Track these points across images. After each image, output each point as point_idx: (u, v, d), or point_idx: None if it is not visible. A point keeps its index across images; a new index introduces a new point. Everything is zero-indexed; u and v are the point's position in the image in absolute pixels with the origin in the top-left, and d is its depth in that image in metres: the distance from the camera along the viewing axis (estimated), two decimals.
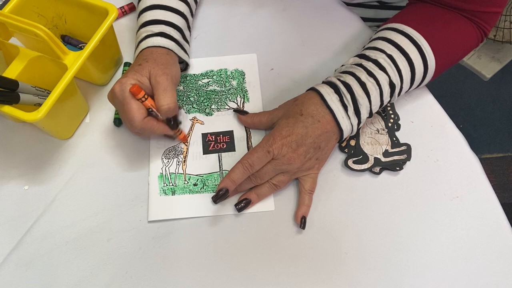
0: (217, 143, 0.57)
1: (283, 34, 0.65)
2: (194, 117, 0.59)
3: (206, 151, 0.57)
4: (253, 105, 0.60)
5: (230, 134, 0.58)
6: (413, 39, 0.52)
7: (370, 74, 0.51)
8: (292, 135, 0.49)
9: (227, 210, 0.53)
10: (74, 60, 0.50)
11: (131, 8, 0.67)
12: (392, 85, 0.51)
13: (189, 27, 0.61)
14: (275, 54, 0.64)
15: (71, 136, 0.58)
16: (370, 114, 0.52)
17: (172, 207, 0.53)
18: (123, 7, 0.67)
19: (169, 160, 0.55)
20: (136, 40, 0.56)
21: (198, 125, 0.58)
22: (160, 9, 0.56)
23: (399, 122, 0.58)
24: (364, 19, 0.69)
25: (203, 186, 0.54)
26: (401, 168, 0.55)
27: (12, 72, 0.50)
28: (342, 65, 0.55)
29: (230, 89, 0.61)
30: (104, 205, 0.53)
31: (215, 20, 0.67)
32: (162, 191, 0.54)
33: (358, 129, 0.55)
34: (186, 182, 0.54)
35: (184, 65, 0.60)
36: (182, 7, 0.58)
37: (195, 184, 0.54)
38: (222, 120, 0.59)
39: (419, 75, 0.53)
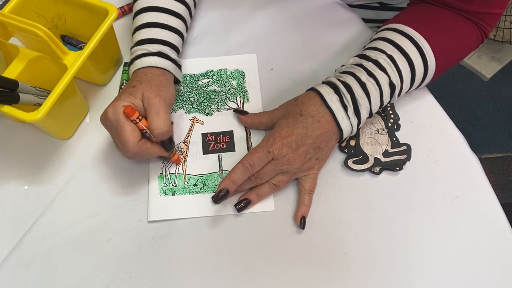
0: (217, 143, 0.57)
1: (283, 34, 0.65)
2: (194, 117, 0.59)
3: (206, 151, 0.57)
4: (253, 105, 0.60)
5: (230, 134, 0.58)
6: (413, 40, 0.52)
7: (370, 74, 0.51)
8: (292, 135, 0.49)
9: (227, 210, 0.53)
10: (74, 60, 0.50)
11: (131, 8, 0.67)
12: (392, 86, 0.51)
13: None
14: (275, 54, 0.64)
15: (71, 136, 0.58)
16: (370, 115, 0.52)
17: (172, 207, 0.53)
18: (123, 7, 0.67)
19: (169, 161, 0.55)
20: (131, 55, 0.54)
21: (198, 125, 0.58)
22: (157, 27, 0.54)
23: (399, 122, 0.58)
24: (365, 20, 0.69)
25: (203, 186, 0.54)
26: (401, 168, 0.55)
27: (12, 72, 0.50)
28: (342, 65, 0.55)
29: (230, 89, 0.61)
30: (104, 205, 0.53)
31: (215, 20, 0.67)
32: (162, 192, 0.54)
33: (358, 129, 0.55)
34: (186, 182, 0.54)
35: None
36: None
37: (195, 184, 0.54)
38: (222, 120, 0.59)
39: (419, 75, 0.53)
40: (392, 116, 0.58)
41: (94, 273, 0.50)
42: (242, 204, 0.51)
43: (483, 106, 1.48)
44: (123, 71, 0.62)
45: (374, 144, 0.56)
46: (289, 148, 0.49)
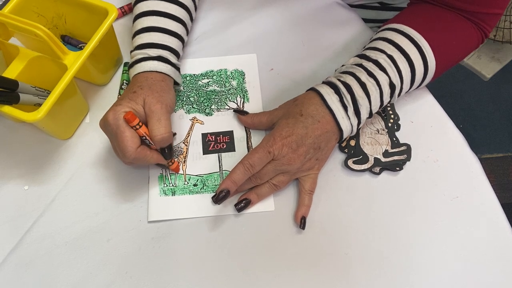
0: (217, 143, 0.57)
1: (283, 34, 0.65)
2: (194, 117, 0.59)
3: (206, 151, 0.57)
4: (253, 105, 0.60)
5: (230, 134, 0.58)
6: (413, 40, 0.52)
7: (370, 74, 0.51)
8: (292, 135, 0.49)
9: (227, 210, 0.53)
10: (74, 60, 0.50)
11: (131, 8, 0.67)
12: (392, 86, 0.51)
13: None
14: (275, 54, 0.64)
15: (71, 136, 0.58)
16: (370, 115, 0.52)
17: (172, 207, 0.53)
18: (123, 7, 0.67)
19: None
20: (131, 59, 0.54)
21: (198, 125, 0.58)
22: (157, 31, 0.54)
23: (399, 122, 0.58)
24: (366, 20, 0.69)
25: (203, 186, 0.54)
26: (401, 168, 0.55)
27: (12, 72, 0.50)
28: (342, 65, 0.55)
29: (230, 89, 0.61)
30: (104, 205, 0.53)
31: (215, 20, 0.67)
32: (162, 192, 0.54)
33: (358, 129, 0.55)
34: (186, 183, 0.54)
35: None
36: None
37: (195, 185, 0.54)
38: (222, 120, 0.59)
39: (419, 75, 0.53)
40: (392, 116, 0.58)
41: (94, 273, 0.50)
42: (242, 204, 0.51)
43: (483, 106, 1.48)
44: (123, 71, 0.62)
45: (374, 144, 0.56)
46: (289, 148, 0.49)
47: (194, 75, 0.62)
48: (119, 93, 0.61)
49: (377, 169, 0.55)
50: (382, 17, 0.75)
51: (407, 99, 0.60)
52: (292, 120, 0.50)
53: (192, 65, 0.63)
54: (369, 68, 0.51)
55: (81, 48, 0.61)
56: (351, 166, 0.55)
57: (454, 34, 0.55)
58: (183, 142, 0.57)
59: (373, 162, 0.55)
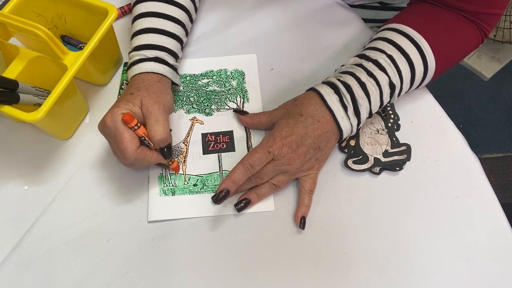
0: (217, 143, 0.57)
1: (283, 34, 0.65)
2: (194, 117, 0.59)
3: (206, 151, 0.57)
4: (253, 105, 0.60)
5: (230, 134, 0.58)
6: (413, 40, 0.52)
7: (370, 74, 0.51)
8: (292, 135, 0.49)
9: (227, 210, 0.53)
10: (74, 60, 0.50)
11: (130, 8, 0.67)
12: (392, 86, 0.51)
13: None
14: (275, 54, 0.64)
15: (71, 136, 0.58)
16: (370, 115, 0.52)
17: (172, 207, 0.53)
18: (123, 7, 0.67)
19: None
20: (129, 60, 0.54)
21: (198, 125, 0.58)
22: (154, 32, 0.54)
23: (399, 122, 0.58)
24: (366, 20, 0.69)
25: (203, 186, 0.54)
26: (401, 168, 0.55)
27: (12, 72, 0.50)
28: (342, 65, 0.55)
29: (230, 89, 0.61)
30: (104, 205, 0.53)
31: (215, 20, 0.67)
32: (162, 192, 0.54)
33: (358, 130, 0.55)
34: (186, 183, 0.54)
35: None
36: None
37: (195, 185, 0.54)
38: (222, 120, 0.59)
39: (419, 75, 0.53)
40: (392, 116, 0.58)
41: (94, 273, 0.50)
42: (242, 204, 0.51)
43: (483, 106, 1.48)
44: (123, 71, 0.62)
45: (374, 144, 0.56)
46: (289, 148, 0.49)
47: (194, 75, 0.62)
48: (119, 93, 0.61)
49: (377, 169, 0.55)
50: (382, 17, 0.75)
51: (407, 99, 0.60)
52: (292, 120, 0.50)
53: (192, 65, 0.63)
54: (369, 68, 0.51)
55: (81, 48, 0.61)
56: (351, 166, 0.55)
57: (454, 34, 0.55)
58: (183, 142, 0.57)
59: (373, 162, 0.55)
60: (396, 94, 0.52)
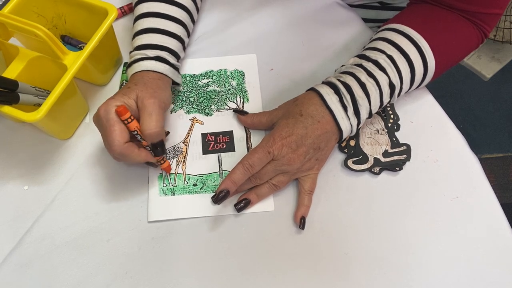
0: (216, 143, 0.57)
1: (283, 34, 0.65)
2: (194, 117, 0.59)
3: (205, 151, 0.57)
4: (253, 106, 0.60)
5: (229, 134, 0.58)
6: (413, 40, 0.52)
7: (370, 74, 0.51)
8: (292, 135, 0.49)
9: (227, 210, 0.53)
10: (74, 60, 0.50)
11: (130, 8, 0.67)
12: (392, 86, 0.51)
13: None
14: (275, 54, 0.64)
15: (71, 136, 0.58)
16: (370, 115, 0.52)
17: (171, 207, 0.53)
18: (122, 7, 0.67)
19: (169, 161, 0.55)
20: (129, 59, 0.54)
21: (197, 125, 0.58)
22: (156, 32, 0.54)
23: (399, 122, 0.58)
24: (366, 20, 0.69)
25: (202, 186, 0.54)
26: (400, 169, 0.55)
27: (11, 72, 0.50)
28: (342, 66, 0.55)
29: (229, 89, 0.61)
30: (104, 205, 0.53)
31: (215, 20, 0.67)
32: (162, 192, 0.54)
33: (358, 130, 0.55)
34: (185, 183, 0.54)
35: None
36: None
37: (194, 184, 0.54)
38: (222, 120, 0.59)
39: (419, 75, 0.53)
40: (392, 116, 0.58)
41: (94, 273, 0.50)
42: (241, 204, 0.51)
43: (483, 106, 1.48)
44: (123, 71, 0.62)
45: (374, 144, 0.56)
46: (289, 149, 0.49)
47: (194, 75, 0.62)
48: None
49: (377, 169, 0.55)
50: (382, 16, 0.75)
51: (407, 99, 0.60)
52: (292, 120, 0.50)
53: (192, 65, 0.63)
54: (368, 68, 0.51)
55: (81, 48, 0.61)
56: (351, 166, 0.55)
57: (453, 34, 0.55)
58: (183, 142, 0.57)
59: (372, 162, 0.55)
60: (396, 94, 0.52)
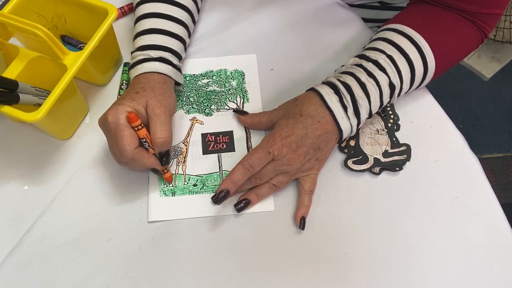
0: (216, 143, 0.57)
1: (283, 34, 0.65)
2: (194, 117, 0.59)
3: (205, 151, 0.57)
4: (253, 106, 0.60)
5: (229, 134, 0.58)
6: (413, 40, 0.52)
7: (370, 74, 0.51)
8: (292, 135, 0.49)
9: (227, 210, 0.53)
10: (74, 61, 0.50)
11: (130, 8, 0.67)
12: (392, 86, 0.51)
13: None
14: (275, 54, 0.64)
15: (71, 136, 0.58)
16: (370, 115, 0.52)
17: (172, 207, 0.53)
18: (123, 7, 0.67)
19: (169, 160, 0.55)
20: (132, 60, 0.54)
21: (197, 125, 0.58)
22: (158, 33, 0.54)
23: (399, 122, 0.58)
24: (366, 20, 0.69)
25: (202, 186, 0.54)
26: (400, 169, 0.55)
27: (12, 72, 0.50)
28: (342, 66, 0.55)
29: (229, 89, 0.61)
30: (104, 205, 0.53)
31: (215, 20, 0.67)
32: (162, 192, 0.54)
33: (358, 130, 0.55)
34: (185, 183, 0.54)
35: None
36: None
37: (194, 185, 0.54)
38: (222, 120, 0.59)
39: (419, 76, 0.53)
40: (392, 116, 0.58)
41: (94, 273, 0.50)
42: (241, 204, 0.51)
43: (483, 106, 1.48)
44: (123, 71, 0.62)
45: (374, 144, 0.56)
46: (289, 149, 0.49)
47: (194, 75, 0.62)
48: (119, 93, 0.61)
49: (377, 169, 0.55)
50: (382, 16, 0.75)
51: (407, 99, 0.60)
52: (292, 120, 0.50)
53: (192, 65, 0.63)
54: (369, 69, 0.51)
55: (81, 48, 0.61)
56: (351, 166, 0.55)
57: (453, 34, 0.55)
58: (183, 142, 0.57)
59: (373, 162, 0.55)
60: (396, 94, 0.52)
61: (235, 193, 0.53)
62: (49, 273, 0.50)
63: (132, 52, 0.55)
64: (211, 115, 0.59)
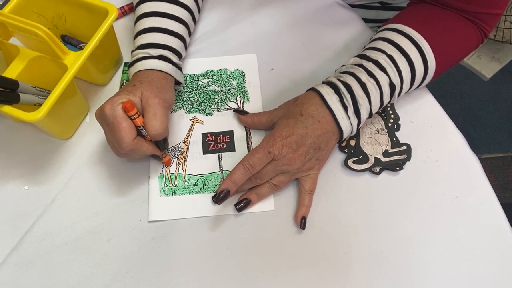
0: (217, 143, 0.57)
1: (283, 34, 0.65)
2: (194, 117, 0.59)
3: (206, 151, 0.57)
4: (253, 105, 0.60)
5: (230, 134, 0.58)
6: (413, 40, 0.52)
7: (371, 74, 0.51)
8: (293, 135, 0.49)
9: (227, 210, 0.53)
10: (74, 60, 0.50)
11: (131, 8, 0.67)
12: (392, 86, 0.51)
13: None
14: (275, 54, 0.64)
15: (71, 136, 0.58)
16: (370, 115, 0.52)
17: (172, 207, 0.53)
18: (123, 7, 0.67)
19: (170, 160, 0.55)
20: (132, 58, 0.54)
21: (198, 125, 0.58)
22: (159, 31, 0.54)
23: (399, 122, 0.58)
24: (366, 20, 0.69)
25: (203, 186, 0.54)
26: (401, 168, 0.55)
27: (12, 72, 0.50)
28: (342, 66, 0.55)
29: (230, 89, 0.61)
30: (104, 205, 0.53)
31: (215, 20, 0.67)
32: (162, 192, 0.54)
33: (358, 129, 0.55)
34: (186, 182, 0.54)
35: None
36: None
37: (195, 184, 0.54)
38: (222, 120, 0.59)
39: (419, 75, 0.53)
40: (392, 116, 0.58)
41: (94, 273, 0.50)
42: (242, 204, 0.51)
43: (483, 106, 1.48)
44: (123, 71, 0.62)
45: (374, 144, 0.56)
46: (290, 148, 0.49)
47: (194, 75, 0.62)
48: None
49: (377, 169, 0.55)
50: (382, 17, 0.75)
51: (407, 99, 0.60)
52: (292, 120, 0.50)
53: (192, 65, 0.63)
54: (369, 68, 0.51)
55: (81, 48, 0.61)
56: (351, 166, 0.55)
57: (454, 34, 0.55)
58: (183, 142, 0.57)
59: (373, 162, 0.55)
60: (396, 94, 0.52)
61: (235, 193, 0.53)
62: (49, 273, 0.50)
63: (132, 51, 0.55)
64: (211, 115, 0.59)
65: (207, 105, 0.60)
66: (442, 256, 0.50)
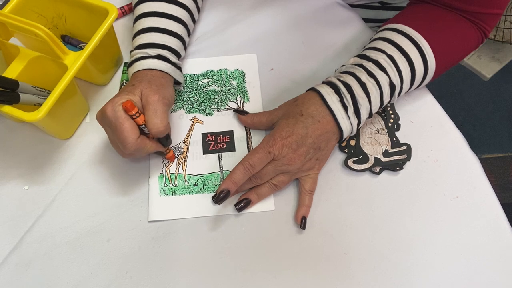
0: (217, 143, 0.57)
1: (283, 34, 0.65)
2: (194, 117, 0.59)
3: (206, 151, 0.57)
4: (253, 105, 0.60)
5: (230, 134, 0.58)
6: (413, 40, 0.52)
7: (371, 74, 0.51)
8: (293, 135, 0.49)
9: (227, 210, 0.53)
10: (74, 60, 0.50)
11: (131, 8, 0.67)
12: (392, 86, 0.51)
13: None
14: (275, 54, 0.64)
15: (71, 136, 0.58)
16: (370, 115, 0.52)
17: (172, 207, 0.53)
18: (123, 7, 0.67)
19: (169, 160, 0.55)
20: (130, 58, 0.54)
21: (198, 125, 0.58)
22: (157, 31, 0.54)
23: (399, 122, 0.58)
24: (366, 20, 0.69)
25: (203, 186, 0.54)
26: (401, 168, 0.55)
27: (12, 72, 0.50)
28: (343, 65, 0.55)
29: (230, 89, 0.61)
30: (104, 205, 0.53)
31: (215, 20, 0.67)
32: (163, 192, 0.54)
33: (358, 129, 0.55)
34: (186, 182, 0.54)
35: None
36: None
37: (195, 184, 0.54)
38: (222, 120, 0.59)
39: (419, 75, 0.53)
40: (392, 116, 0.58)
41: (94, 273, 0.50)
42: (242, 204, 0.51)
43: (483, 106, 1.48)
44: (123, 71, 0.62)
45: (374, 144, 0.56)
46: (290, 148, 0.49)
47: (194, 75, 0.62)
48: None
49: (377, 169, 0.55)
50: (382, 16, 0.75)
51: (407, 99, 0.60)
52: (292, 120, 0.50)
53: (192, 65, 0.63)
54: (369, 68, 0.51)
55: (81, 48, 0.61)
56: (351, 166, 0.55)
57: (454, 34, 0.55)
58: (183, 142, 0.57)
59: (373, 162, 0.55)
60: (396, 94, 0.52)
61: (235, 193, 0.53)
62: (49, 273, 0.50)
63: (131, 51, 0.55)
64: (211, 114, 0.59)
65: (207, 105, 0.60)
66: (442, 256, 0.50)
